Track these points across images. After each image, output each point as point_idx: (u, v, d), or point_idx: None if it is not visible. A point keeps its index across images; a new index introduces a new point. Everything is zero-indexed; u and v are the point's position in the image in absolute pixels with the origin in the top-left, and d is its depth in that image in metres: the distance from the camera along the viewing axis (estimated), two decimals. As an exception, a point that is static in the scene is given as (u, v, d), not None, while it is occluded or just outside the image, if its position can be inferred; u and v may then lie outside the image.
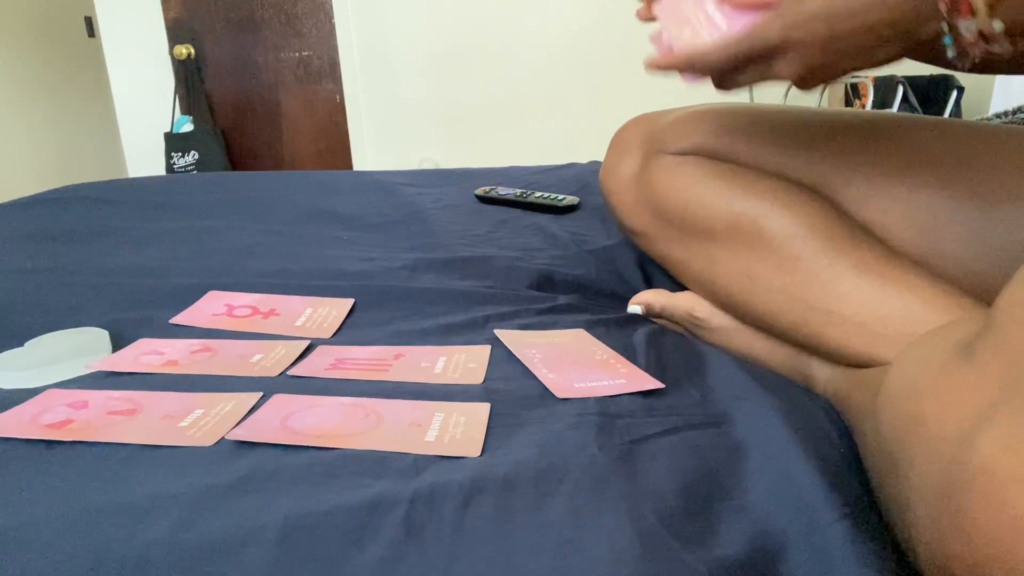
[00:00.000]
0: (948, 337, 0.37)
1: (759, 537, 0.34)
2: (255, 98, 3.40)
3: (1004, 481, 0.25)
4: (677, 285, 0.71)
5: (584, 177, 1.14)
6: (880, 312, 0.49)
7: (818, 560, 0.33)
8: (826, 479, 0.38)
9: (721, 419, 0.46)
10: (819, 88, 0.48)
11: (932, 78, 2.44)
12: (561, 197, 1.01)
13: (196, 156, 3.24)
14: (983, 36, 0.39)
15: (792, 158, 0.60)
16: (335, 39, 3.22)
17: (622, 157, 0.72)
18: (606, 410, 0.45)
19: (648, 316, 0.69)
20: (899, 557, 0.34)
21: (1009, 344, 0.30)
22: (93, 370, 0.53)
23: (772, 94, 2.90)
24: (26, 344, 0.57)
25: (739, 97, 2.75)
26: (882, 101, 2.48)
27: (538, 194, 1.03)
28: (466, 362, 0.54)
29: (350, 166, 3.35)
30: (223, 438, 0.42)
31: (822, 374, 0.55)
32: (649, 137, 0.70)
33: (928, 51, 0.45)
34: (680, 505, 0.36)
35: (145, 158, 3.33)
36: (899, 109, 2.40)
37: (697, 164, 0.64)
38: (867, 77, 2.54)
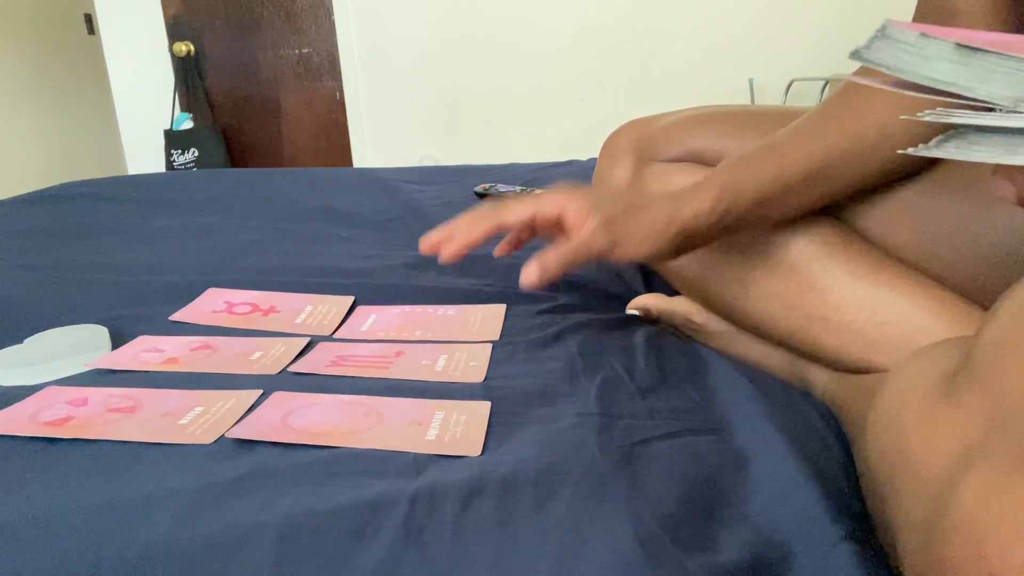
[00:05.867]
0: (935, 363, 0.37)
1: (759, 546, 0.34)
2: (255, 95, 3.39)
3: (983, 533, 0.25)
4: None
5: (584, 174, 1.14)
6: (876, 318, 0.49)
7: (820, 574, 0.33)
8: (826, 493, 0.38)
9: (721, 425, 0.46)
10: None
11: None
12: (561, 195, 1.01)
13: (196, 153, 3.24)
14: None
15: None
16: (335, 36, 3.22)
17: (614, 164, 0.71)
18: (606, 411, 0.45)
19: (646, 319, 0.69)
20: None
21: (990, 386, 0.30)
22: (93, 367, 0.53)
23: (772, 86, 2.91)
24: (25, 341, 0.57)
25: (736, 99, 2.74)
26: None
27: (538, 191, 1.03)
28: (467, 360, 0.54)
29: (350, 163, 3.35)
30: (223, 436, 0.42)
31: (820, 379, 0.55)
32: (640, 144, 0.69)
33: None
34: (680, 511, 0.36)
35: (145, 155, 3.33)
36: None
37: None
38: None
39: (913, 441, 0.33)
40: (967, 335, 0.45)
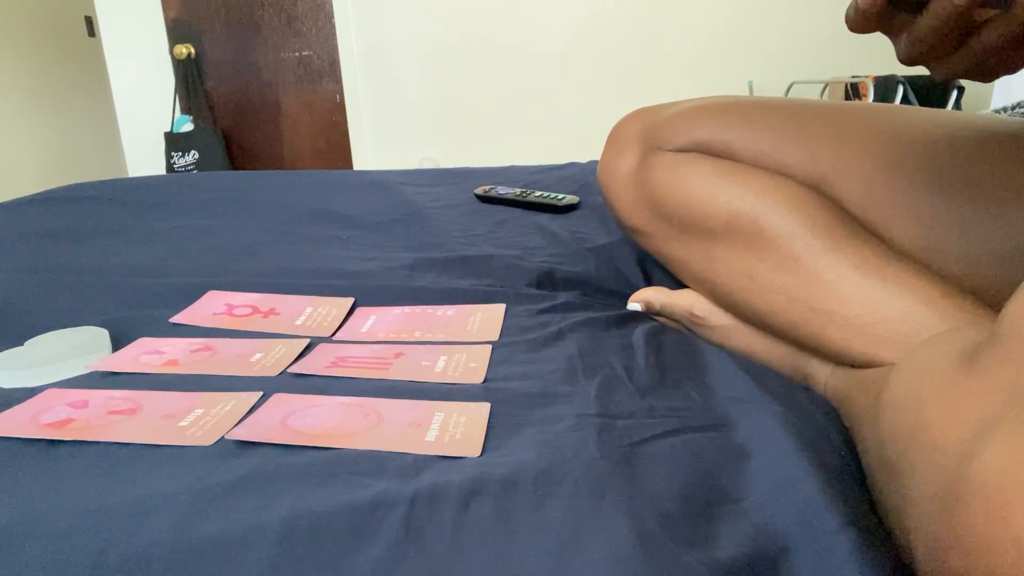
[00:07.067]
0: (953, 344, 0.37)
1: (759, 540, 0.34)
2: (255, 98, 3.40)
3: (1006, 498, 0.25)
4: (677, 283, 0.71)
5: (584, 176, 1.14)
6: (881, 313, 0.49)
7: (820, 566, 0.33)
8: (827, 483, 0.38)
9: (721, 421, 0.46)
10: None
11: (932, 78, 2.44)
12: (561, 196, 1.01)
13: (196, 156, 3.24)
14: None
15: (792, 155, 0.60)
16: (335, 39, 3.22)
17: (620, 153, 0.71)
18: (606, 411, 0.45)
19: (648, 314, 0.69)
20: (899, 563, 0.34)
21: (1014, 356, 0.30)
22: (93, 369, 0.53)
23: (771, 88, 2.91)
24: (26, 343, 0.57)
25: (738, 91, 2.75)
26: (882, 100, 2.49)
27: (538, 193, 1.03)
28: (467, 361, 0.54)
29: (350, 165, 3.35)
30: (223, 438, 0.42)
31: (822, 373, 0.55)
32: (647, 133, 0.69)
33: None
34: (680, 508, 0.36)
35: (145, 157, 3.33)
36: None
37: (696, 162, 0.64)
38: (867, 76, 2.54)
39: (931, 414, 0.33)
40: (984, 320, 0.45)
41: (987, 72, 0.41)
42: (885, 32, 0.42)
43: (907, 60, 0.42)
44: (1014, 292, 0.33)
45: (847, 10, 0.41)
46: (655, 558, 0.32)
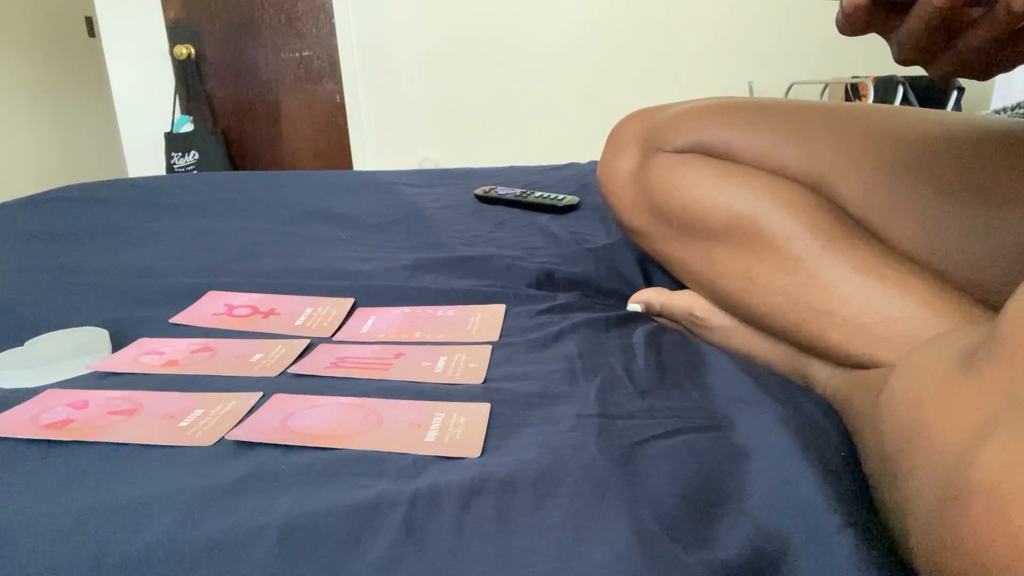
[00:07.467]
0: (952, 345, 0.37)
1: (760, 541, 0.34)
2: (255, 98, 3.40)
3: (1005, 498, 0.25)
4: (677, 283, 0.71)
5: (584, 177, 1.14)
6: (881, 314, 0.49)
7: (820, 566, 0.33)
8: (827, 484, 0.38)
9: (721, 422, 0.46)
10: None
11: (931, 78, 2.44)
12: (561, 197, 1.01)
13: (196, 156, 3.24)
14: None
15: (792, 156, 0.60)
16: (335, 39, 3.22)
17: (620, 154, 0.71)
18: (606, 411, 0.45)
19: (648, 314, 0.69)
20: (900, 564, 0.34)
21: (1014, 358, 0.30)
22: (93, 370, 0.53)
23: (771, 88, 2.91)
24: (26, 344, 0.57)
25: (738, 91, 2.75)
26: (882, 100, 2.49)
27: (538, 194, 1.03)
28: (467, 362, 0.54)
29: (350, 166, 3.35)
30: (223, 438, 0.42)
31: (821, 374, 0.55)
32: (647, 134, 0.69)
33: None
34: (680, 508, 0.36)
35: (145, 158, 3.33)
36: (899, 109, 2.40)
37: (696, 163, 0.64)
38: (867, 77, 2.54)
39: (931, 414, 0.33)
40: (984, 321, 0.45)
41: (982, 70, 0.41)
42: (879, 33, 0.42)
43: (900, 61, 0.43)
44: (1014, 293, 0.33)
45: (836, 14, 0.42)
46: (655, 559, 0.32)
